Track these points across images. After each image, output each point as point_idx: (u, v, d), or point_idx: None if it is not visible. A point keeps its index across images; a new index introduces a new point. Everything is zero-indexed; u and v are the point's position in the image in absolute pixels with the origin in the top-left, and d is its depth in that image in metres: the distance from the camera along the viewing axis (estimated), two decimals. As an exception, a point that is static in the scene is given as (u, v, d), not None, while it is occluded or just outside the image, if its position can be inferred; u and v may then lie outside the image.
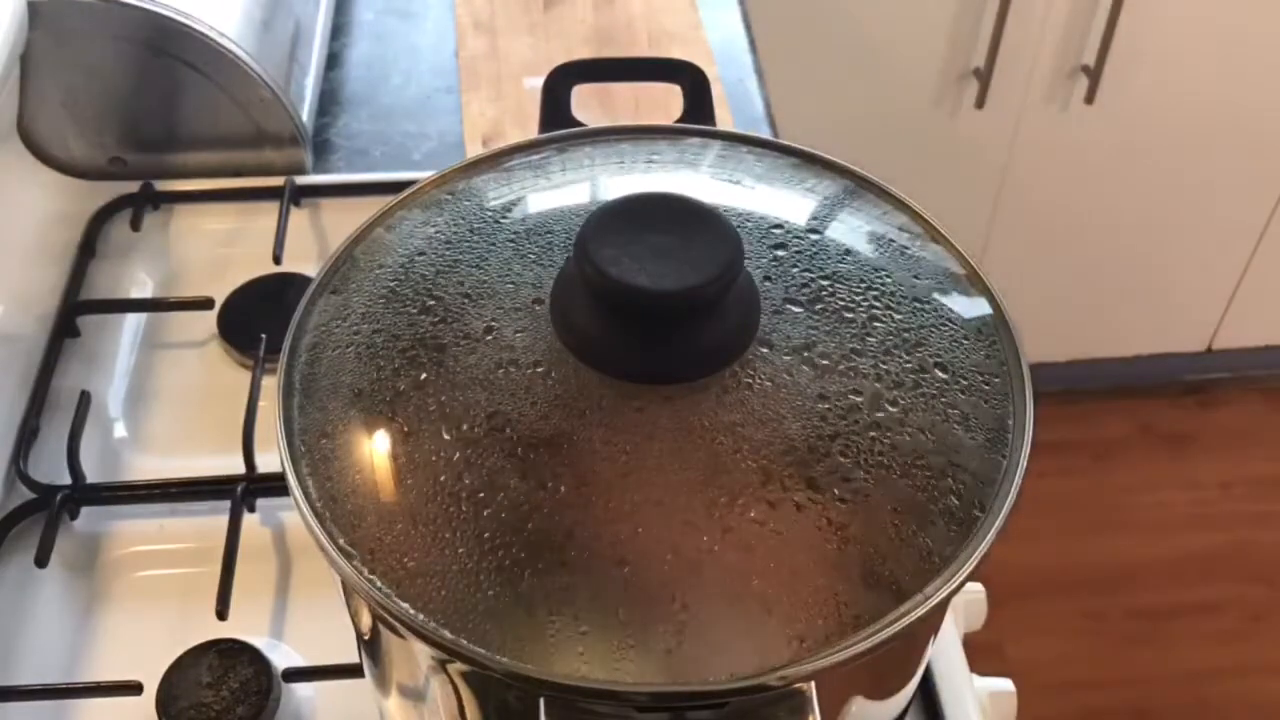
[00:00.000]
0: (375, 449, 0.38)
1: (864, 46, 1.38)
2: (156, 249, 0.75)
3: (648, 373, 0.37)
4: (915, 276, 0.42)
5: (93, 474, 0.62)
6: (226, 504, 0.60)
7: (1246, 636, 1.58)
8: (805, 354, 0.39)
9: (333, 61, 0.90)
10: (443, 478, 0.36)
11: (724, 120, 0.73)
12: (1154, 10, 1.37)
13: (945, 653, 0.58)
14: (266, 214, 0.75)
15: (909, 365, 0.39)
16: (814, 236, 0.43)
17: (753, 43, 0.93)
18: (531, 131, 0.49)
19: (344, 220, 0.60)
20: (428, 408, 0.38)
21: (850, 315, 0.40)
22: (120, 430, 0.66)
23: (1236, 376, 1.84)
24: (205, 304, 0.70)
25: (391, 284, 0.42)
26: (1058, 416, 1.74)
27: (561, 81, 0.51)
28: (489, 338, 0.39)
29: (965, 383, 0.40)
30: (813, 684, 0.34)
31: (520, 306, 0.40)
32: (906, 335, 0.40)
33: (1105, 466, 1.75)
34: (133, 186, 0.76)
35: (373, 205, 0.46)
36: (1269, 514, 1.70)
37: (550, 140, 0.48)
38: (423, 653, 0.37)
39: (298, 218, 0.76)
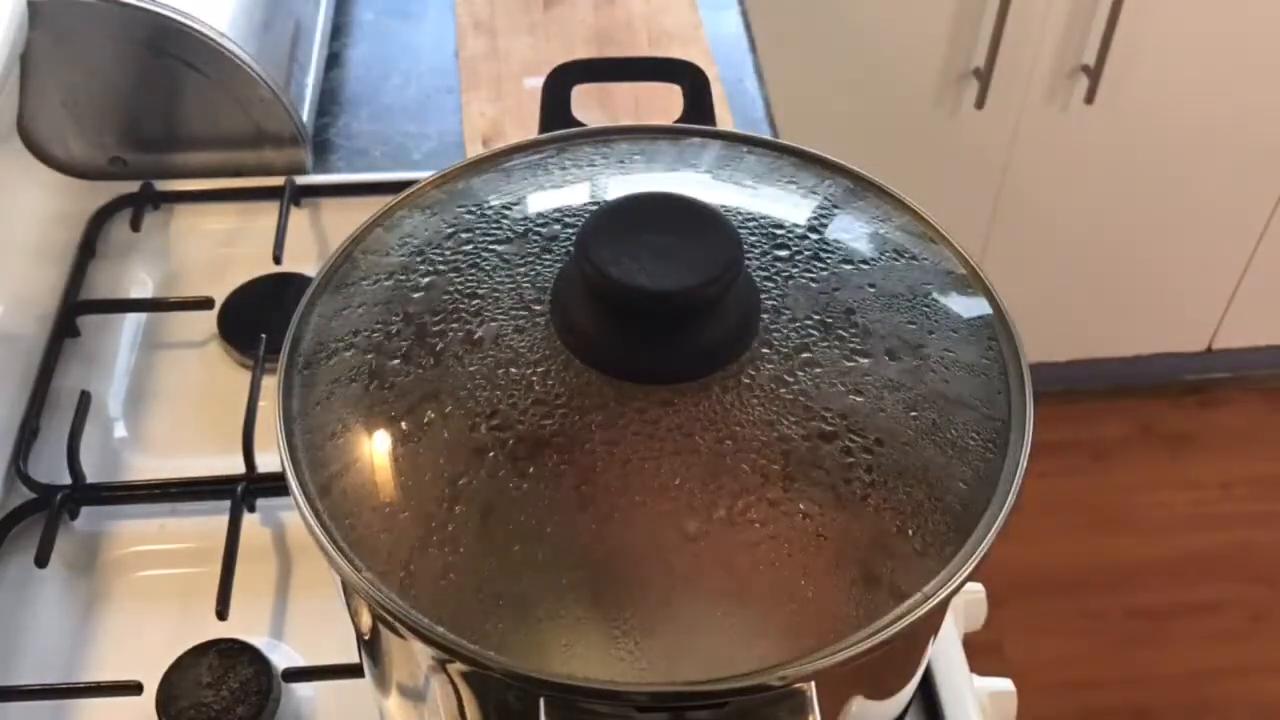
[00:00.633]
0: (375, 449, 0.38)
1: (864, 47, 1.38)
2: (156, 249, 0.75)
3: (648, 373, 0.37)
4: (915, 276, 0.42)
5: (93, 474, 0.62)
6: (226, 504, 0.60)
7: (1246, 636, 1.58)
8: (805, 354, 0.39)
9: (333, 61, 0.90)
10: (443, 478, 0.36)
11: (724, 120, 0.73)
12: (1154, 10, 1.37)
13: (945, 653, 0.58)
14: (266, 214, 0.75)
15: (909, 365, 0.39)
16: (814, 236, 0.43)
17: (753, 43, 0.93)
18: (531, 131, 0.49)
19: (344, 220, 0.60)
20: (428, 407, 0.38)
21: (850, 315, 0.40)
22: (120, 430, 0.66)
23: (1236, 376, 1.84)
24: (205, 304, 0.70)
25: (391, 284, 0.42)
26: (1058, 416, 1.74)
27: (561, 81, 0.51)
28: (489, 338, 0.39)
29: (965, 382, 0.40)
30: (813, 684, 0.34)
31: (520, 306, 0.40)
32: (906, 335, 0.40)
33: (1105, 466, 1.75)
34: (133, 186, 0.76)
35: (373, 205, 0.46)
36: (1269, 514, 1.70)
37: (550, 140, 0.48)
38: (423, 653, 0.37)
39: (298, 218, 0.76)
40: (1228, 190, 1.58)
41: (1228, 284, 1.70)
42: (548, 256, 0.41)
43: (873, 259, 0.43)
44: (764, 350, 0.38)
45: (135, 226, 0.75)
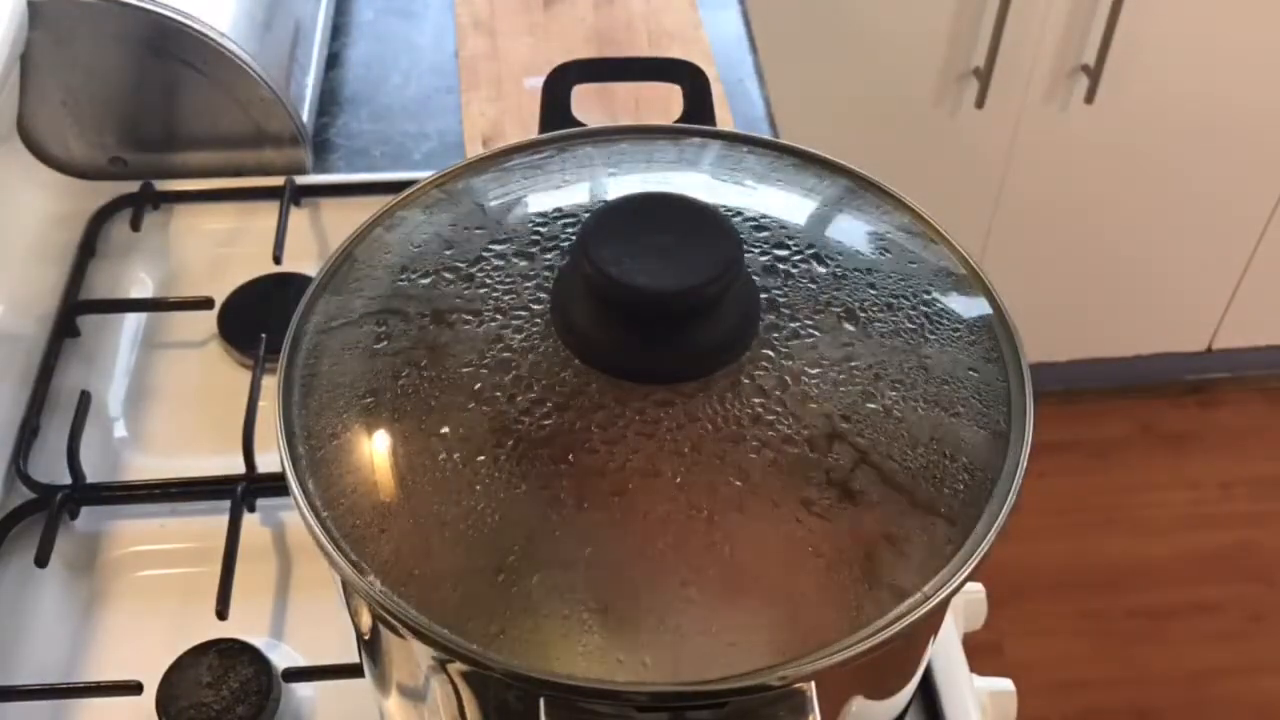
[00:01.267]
0: (375, 449, 0.38)
1: (864, 46, 1.38)
2: (156, 249, 0.75)
3: (648, 373, 0.37)
4: (915, 276, 0.42)
5: (93, 474, 0.62)
6: (226, 504, 0.60)
7: (1246, 636, 1.58)
8: (805, 354, 0.39)
9: (333, 61, 0.90)
10: (442, 477, 0.36)
11: (724, 120, 0.73)
12: (1154, 10, 1.37)
13: (945, 653, 0.58)
14: (266, 214, 0.75)
15: (909, 365, 0.39)
16: (814, 236, 0.43)
17: (753, 43, 0.93)
18: (531, 131, 0.49)
19: (344, 220, 0.61)
20: (427, 407, 0.38)
21: (850, 315, 0.40)
22: (120, 430, 0.66)
23: (1236, 376, 1.84)
24: (205, 304, 0.70)
25: (391, 284, 0.42)
26: (1058, 416, 1.74)
27: (561, 81, 0.51)
28: (489, 338, 0.39)
29: (965, 382, 0.40)
30: (813, 684, 0.34)
31: (520, 306, 0.40)
32: (906, 335, 0.40)
33: (1105, 466, 1.75)
34: (133, 186, 0.76)
35: (373, 205, 0.46)
36: (1269, 514, 1.70)
37: (550, 140, 0.48)
38: (423, 653, 0.37)
39: (298, 218, 0.76)
40: (1228, 190, 1.58)
41: (1228, 284, 1.70)
42: (548, 256, 0.41)
43: (872, 259, 0.43)
44: (764, 350, 0.38)
45: (135, 226, 0.75)
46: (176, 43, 0.73)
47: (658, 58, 0.83)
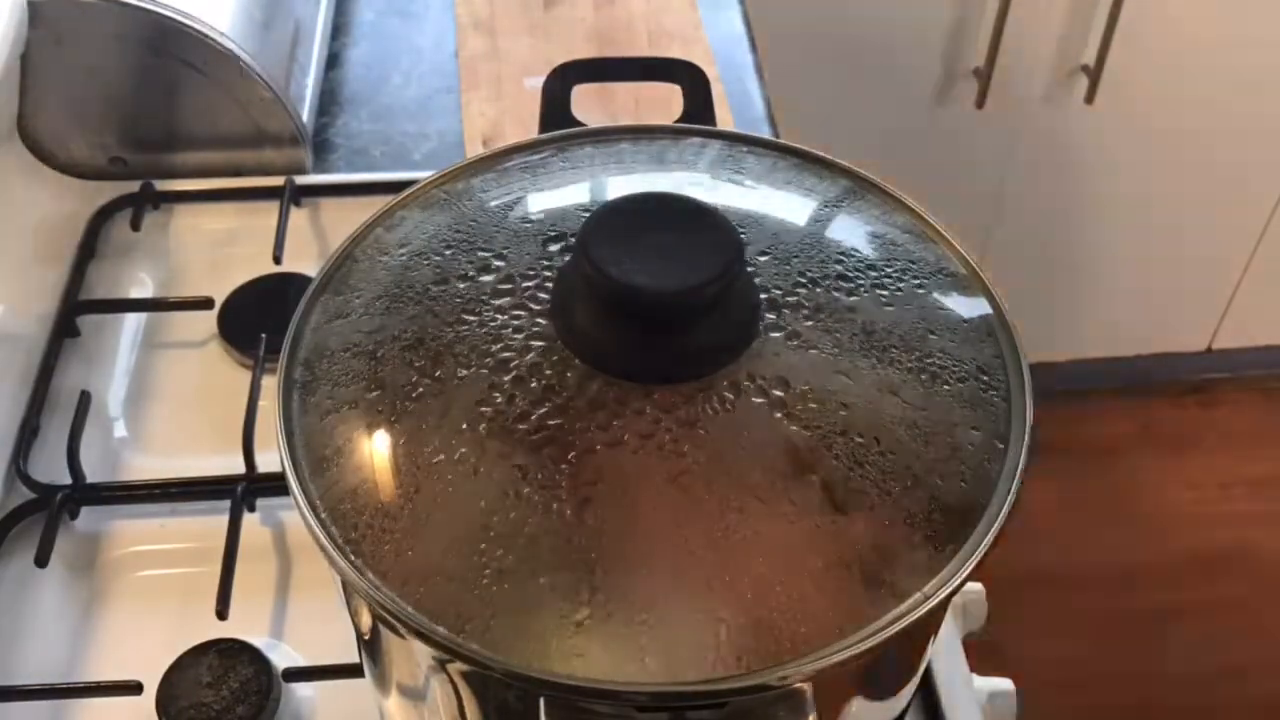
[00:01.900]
0: (375, 449, 0.38)
1: (864, 46, 1.38)
2: (156, 249, 0.75)
3: (648, 373, 0.37)
4: (915, 276, 0.42)
5: (93, 474, 0.62)
6: (226, 504, 0.60)
7: (1246, 636, 1.58)
8: (805, 354, 0.39)
9: (333, 61, 0.90)
10: (442, 477, 0.36)
11: (724, 120, 0.73)
12: (1154, 10, 1.37)
13: (945, 653, 0.58)
14: (266, 214, 0.75)
15: (909, 365, 0.39)
16: (814, 236, 0.43)
17: (753, 43, 0.93)
18: (531, 131, 0.49)
19: (344, 220, 0.61)
20: (427, 407, 0.38)
21: (850, 315, 0.40)
22: (120, 430, 0.66)
23: (1236, 376, 1.84)
24: (205, 304, 0.70)
25: (391, 284, 0.42)
26: (1058, 416, 1.74)
27: (561, 81, 0.51)
28: (489, 338, 0.39)
29: (965, 383, 0.40)
30: (812, 684, 0.34)
31: (520, 306, 0.40)
32: (906, 335, 0.40)
33: (1105, 466, 1.75)
34: (133, 186, 0.76)
35: (373, 205, 0.46)
36: (1269, 514, 1.70)
37: (550, 140, 0.48)
38: (423, 653, 0.37)
39: (298, 218, 0.76)
40: (1227, 190, 1.58)
41: (1228, 284, 1.70)
42: (547, 257, 0.41)
43: (873, 259, 0.43)
44: (764, 350, 0.38)
45: (135, 226, 0.75)
46: (176, 43, 0.73)
47: (658, 58, 0.83)
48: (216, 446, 0.63)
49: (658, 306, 0.37)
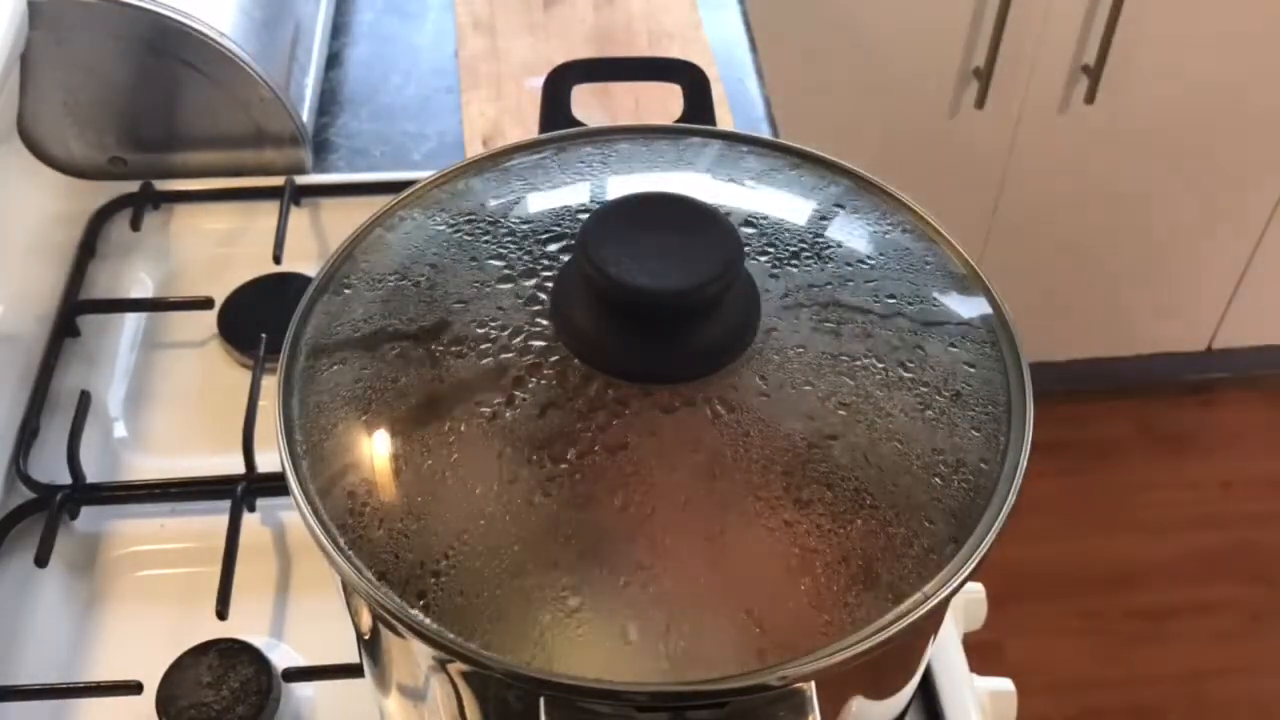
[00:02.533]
0: (375, 449, 0.38)
1: (864, 47, 1.38)
2: (156, 249, 0.75)
3: (648, 373, 0.37)
4: (915, 276, 0.42)
5: (93, 474, 0.62)
6: (226, 504, 0.60)
7: (1246, 636, 1.58)
8: (805, 354, 0.39)
9: (333, 61, 0.90)
10: (443, 478, 0.37)
11: (724, 120, 0.73)
12: (1154, 10, 1.37)
13: (945, 653, 0.58)
14: (266, 214, 0.75)
15: (909, 365, 0.39)
16: (814, 236, 0.43)
17: (753, 43, 0.93)
18: (531, 131, 0.49)
19: (344, 220, 0.61)
20: (427, 407, 0.38)
21: (850, 315, 0.40)
22: (120, 430, 0.66)
23: (1236, 376, 1.84)
24: (205, 304, 0.70)
25: (391, 284, 0.42)
26: (1058, 416, 1.74)
27: (561, 81, 0.51)
28: (489, 338, 0.39)
29: (965, 383, 0.40)
30: (813, 684, 0.34)
31: (520, 306, 0.40)
32: (906, 335, 0.40)
33: (1105, 466, 1.75)
34: (133, 186, 0.76)
35: (373, 205, 0.46)
36: (1269, 514, 1.70)
37: (550, 140, 0.48)
38: (423, 653, 0.37)
39: (298, 218, 0.76)
40: (1227, 190, 1.58)
41: (1228, 284, 1.70)
42: (548, 257, 0.41)
43: (873, 259, 0.43)
44: (764, 350, 0.38)
45: (135, 226, 0.75)
46: (176, 43, 0.73)
47: (658, 58, 0.83)
48: (216, 446, 0.63)
49: (658, 306, 0.37)
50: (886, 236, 0.44)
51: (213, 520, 0.60)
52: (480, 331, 0.39)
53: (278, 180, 0.77)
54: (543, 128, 0.50)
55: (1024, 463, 0.38)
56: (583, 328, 0.38)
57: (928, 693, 0.57)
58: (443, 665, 0.37)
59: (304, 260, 0.72)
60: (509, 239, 0.42)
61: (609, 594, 0.35)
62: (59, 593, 0.59)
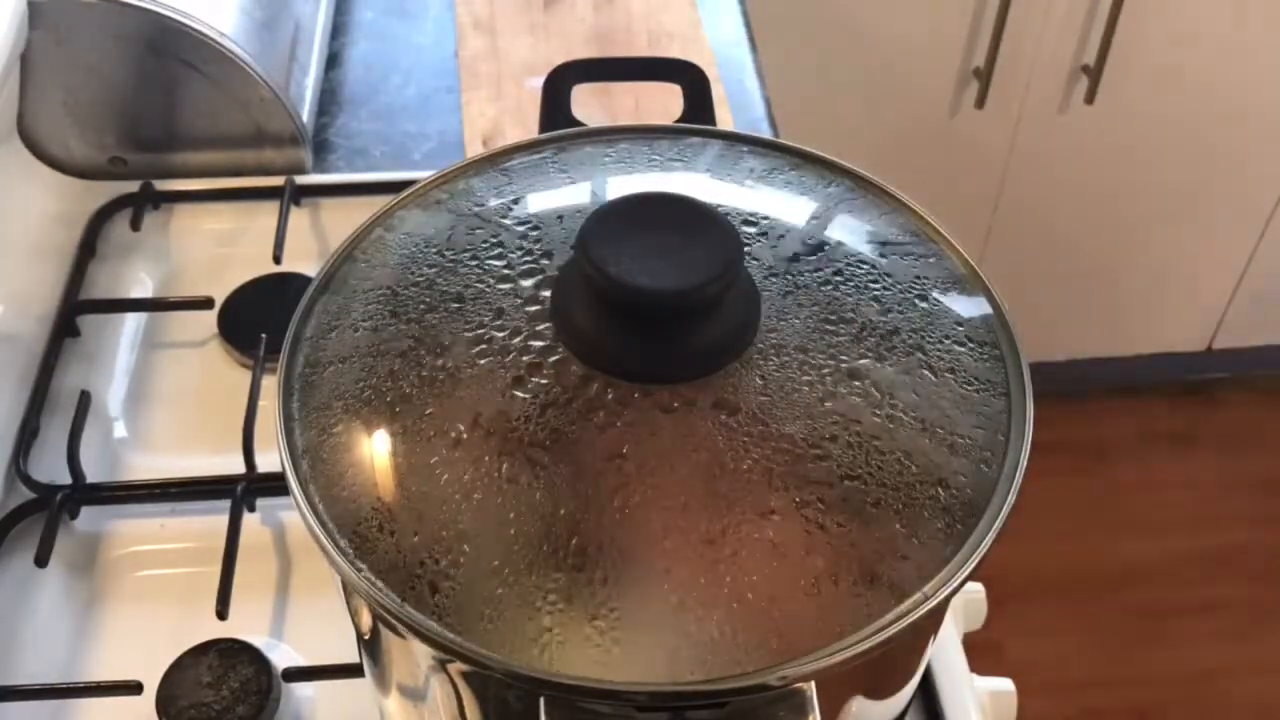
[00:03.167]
0: (375, 449, 0.38)
1: (864, 47, 1.38)
2: (156, 249, 0.75)
3: (648, 373, 0.37)
4: (915, 276, 0.42)
5: (93, 474, 0.62)
6: (226, 504, 0.60)
7: (1246, 636, 1.58)
8: (805, 354, 0.39)
9: (333, 61, 0.90)
10: (442, 478, 0.37)
11: (724, 120, 0.73)
12: (1154, 10, 1.37)
13: (945, 653, 0.58)
14: (266, 214, 0.75)
15: (908, 365, 0.39)
16: (814, 236, 0.43)
17: (753, 43, 0.93)
18: (531, 131, 0.49)
19: (344, 220, 0.61)
20: (427, 407, 0.38)
21: (850, 315, 0.40)
22: (120, 430, 0.66)
23: (1236, 376, 1.84)
24: (205, 304, 0.70)
25: (391, 284, 0.42)
26: (1058, 416, 1.74)
27: (561, 81, 0.51)
28: (489, 338, 0.39)
29: (965, 383, 0.40)
30: (813, 684, 0.34)
31: (520, 306, 0.40)
32: (906, 335, 0.40)
33: (1105, 466, 1.75)
34: (133, 186, 0.76)
35: (373, 205, 0.46)
36: (1269, 514, 1.70)
37: (550, 140, 0.48)
38: (423, 653, 0.37)
39: (298, 217, 0.76)
40: (1227, 190, 1.58)
41: (1228, 284, 1.70)
42: (548, 256, 0.41)
43: (872, 259, 0.43)
44: (763, 350, 0.38)
45: (135, 226, 0.75)
46: (176, 43, 0.73)
47: (658, 58, 0.83)
48: (216, 446, 0.63)
49: (658, 306, 0.37)
50: (886, 236, 0.44)
51: (213, 520, 0.60)
52: (480, 332, 0.39)
53: (278, 180, 0.77)
54: (543, 128, 0.50)
55: (1024, 463, 0.38)
56: (583, 328, 0.38)
57: (928, 693, 0.57)
58: (443, 665, 0.37)
59: (304, 260, 0.72)
60: (509, 239, 0.42)
61: (610, 593, 0.35)
62: (59, 593, 0.59)
